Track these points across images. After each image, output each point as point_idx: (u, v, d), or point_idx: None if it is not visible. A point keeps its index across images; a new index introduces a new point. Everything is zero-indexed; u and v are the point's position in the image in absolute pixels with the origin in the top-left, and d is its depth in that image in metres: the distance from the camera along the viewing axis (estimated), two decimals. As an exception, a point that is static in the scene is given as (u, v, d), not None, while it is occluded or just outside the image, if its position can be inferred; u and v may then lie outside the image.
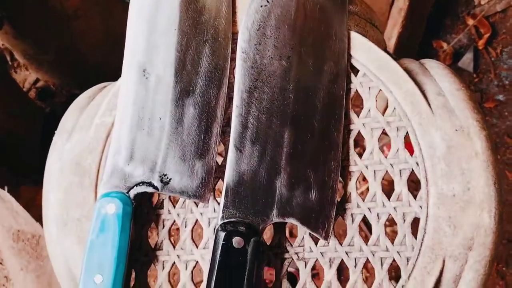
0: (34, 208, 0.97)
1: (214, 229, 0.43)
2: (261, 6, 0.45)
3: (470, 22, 1.03)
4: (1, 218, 1.04)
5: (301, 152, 0.42)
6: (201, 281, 0.43)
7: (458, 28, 1.07)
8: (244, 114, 0.42)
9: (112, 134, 0.45)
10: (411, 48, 1.07)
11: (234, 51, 0.46)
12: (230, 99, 0.45)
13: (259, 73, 0.43)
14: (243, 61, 0.44)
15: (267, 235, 0.44)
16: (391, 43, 0.94)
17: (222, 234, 0.40)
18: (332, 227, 0.41)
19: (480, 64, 1.07)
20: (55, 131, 0.49)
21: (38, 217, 0.99)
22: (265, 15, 0.44)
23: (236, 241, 0.39)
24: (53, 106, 1.22)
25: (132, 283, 0.44)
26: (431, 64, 0.46)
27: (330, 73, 0.44)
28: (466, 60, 1.06)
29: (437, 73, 0.45)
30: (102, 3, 0.94)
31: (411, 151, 0.42)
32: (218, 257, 0.39)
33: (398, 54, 0.99)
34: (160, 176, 0.43)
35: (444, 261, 0.40)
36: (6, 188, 0.88)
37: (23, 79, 1.25)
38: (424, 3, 0.97)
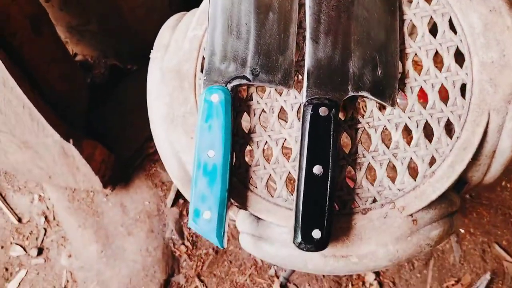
0: (93, 162, 1.06)
1: (298, 110, 0.53)
2: None
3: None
4: (59, 178, 1.13)
5: (367, 38, 0.51)
6: (290, 156, 0.53)
7: None
8: (316, 12, 0.52)
9: (206, 42, 0.54)
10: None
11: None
12: (301, 5, 0.54)
13: (327, -22, 0.52)
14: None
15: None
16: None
17: (309, 107, 0.49)
18: (396, 96, 0.51)
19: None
20: (151, 50, 0.58)
21: (97, 171, 1.09)
22: None
23: (322, 110, 0.49)
24: (93, 77, 1.31)
25: (234, 162, 0.53)
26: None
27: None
28: None
29: (469, -29, 0.54)
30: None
31: (425, 99, 0.52)
32: (308, 126, 0.49)
33: None
34: (251, 70, 0.52)
35: (489, 114, 0.49)
36: (71, 141, 0.96)
37: (61, 55, 1.33)
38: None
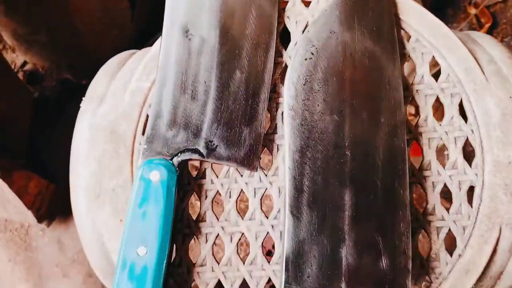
0: (26, 196, 0.92)
1: (261, 199, 0.41)
2: (306, 59, 0.41)
3: (472, 11, 1.05)
4: (-12, 206, 0.98)
5: (365, 215, 0.38)
6: (247, 255, 0.41)
7: (460, 17, 1.09)
8: (298, 176, 0.38)
9: (152, 98, 0.42)
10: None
11: (280, 15, 0.44)
12: (276, 64, 0.43)
13: (310, 131, 0.40)
14: (291, 118, 0.40)
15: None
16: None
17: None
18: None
19: (481, 53, 1.08)
20: (83, 98, 0.46)
21: (30, 205, 0.95)
22: (311, 68, 0.41)
23: None
24: (42, 90, 1.16)
25: (173, 257, 0.41)
26: (477, 34, 0.46)
27: (387, 125, 0.40)
28: (468, 50, 1.07)
29: (485, 42, 0.44)
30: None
31: (418, 153, 0.41)
32: None
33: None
34: (206, 143, 0.40)
35: (500, 229, 0.39)
36: (-1, 172, 0.82)
37: (10, 62, 1.19)
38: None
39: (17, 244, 1.07)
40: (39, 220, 0.98)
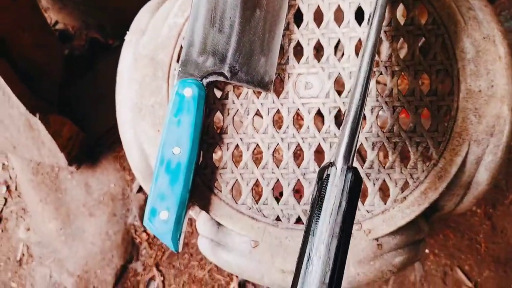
0: (60, 139, 1.01)
1: (274, 115, 0.50)
2: None
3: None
4: (23, 150, 1.08)
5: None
6: (260, 162, 0.50)
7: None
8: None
9: (185, 31, 0.51)
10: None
11: (294, -35, 0.52)
12: (290, 6, 0.51)
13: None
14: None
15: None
16: None
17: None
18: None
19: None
20: (127, 31, 0.55)
21: (62, 148, 1.05)
22: None
23: None
24: (72, 48, 1.25)
25: (200, 161, 0.50)
26: (462, -13, 0.53)
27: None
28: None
29: (467, -7, 0.52)
30: None
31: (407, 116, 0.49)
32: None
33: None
34: (230, 67, 0.49)
35: (469, 144, 0.48)
36: (37, 115, 0.92)
37: (41, 21, 1.27)
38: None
39: (48, 186, 1.17)
40: (70, 163, 1.08)
